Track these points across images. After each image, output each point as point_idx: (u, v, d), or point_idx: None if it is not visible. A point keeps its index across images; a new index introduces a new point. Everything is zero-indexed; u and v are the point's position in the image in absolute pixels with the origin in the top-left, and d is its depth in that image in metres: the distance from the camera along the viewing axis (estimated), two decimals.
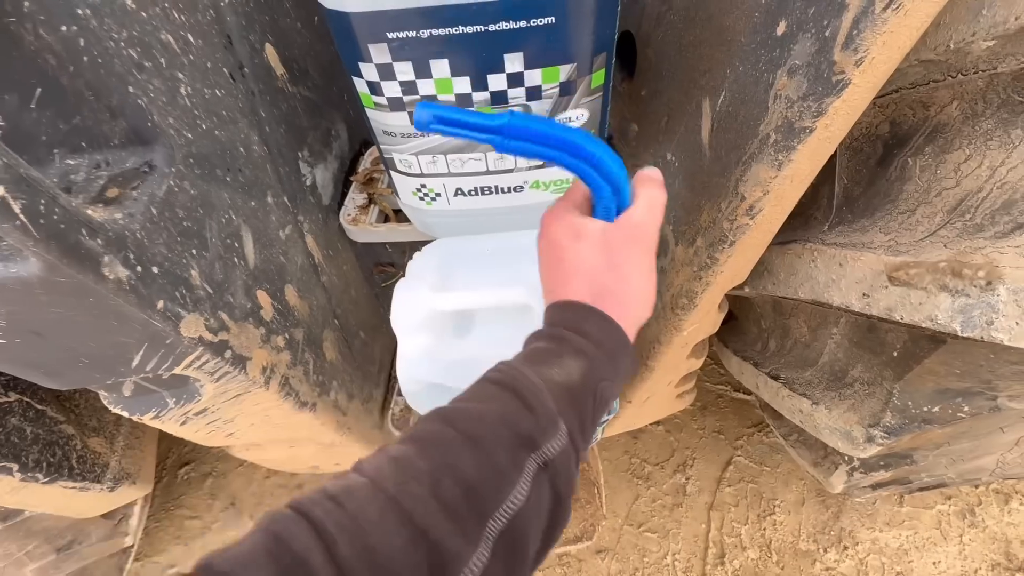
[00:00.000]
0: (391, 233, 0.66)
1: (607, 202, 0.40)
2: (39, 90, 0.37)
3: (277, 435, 0.74)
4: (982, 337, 0.46)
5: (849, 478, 0.90)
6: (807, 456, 0.98)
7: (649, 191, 0.41)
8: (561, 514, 0.33)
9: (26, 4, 0.34)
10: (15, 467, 0.77)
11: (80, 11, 0.36)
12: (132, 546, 1.20)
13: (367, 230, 0.67)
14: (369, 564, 0.25)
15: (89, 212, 0.39)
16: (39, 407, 0.83)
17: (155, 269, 0.43)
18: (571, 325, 0.38)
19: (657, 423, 1.55)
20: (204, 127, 0.48)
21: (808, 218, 0.67)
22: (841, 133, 0.40)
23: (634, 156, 0.67)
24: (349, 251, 0.77)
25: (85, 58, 0.38)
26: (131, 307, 0.42)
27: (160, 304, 0.44)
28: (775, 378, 0.84)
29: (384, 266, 0.81)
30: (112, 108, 0.41)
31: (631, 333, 0.40)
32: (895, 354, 0.64)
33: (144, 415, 0.61)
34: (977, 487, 1.40)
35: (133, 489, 0.97)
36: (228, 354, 0.53)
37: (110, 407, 0.60)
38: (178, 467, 1.58)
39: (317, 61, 0.66)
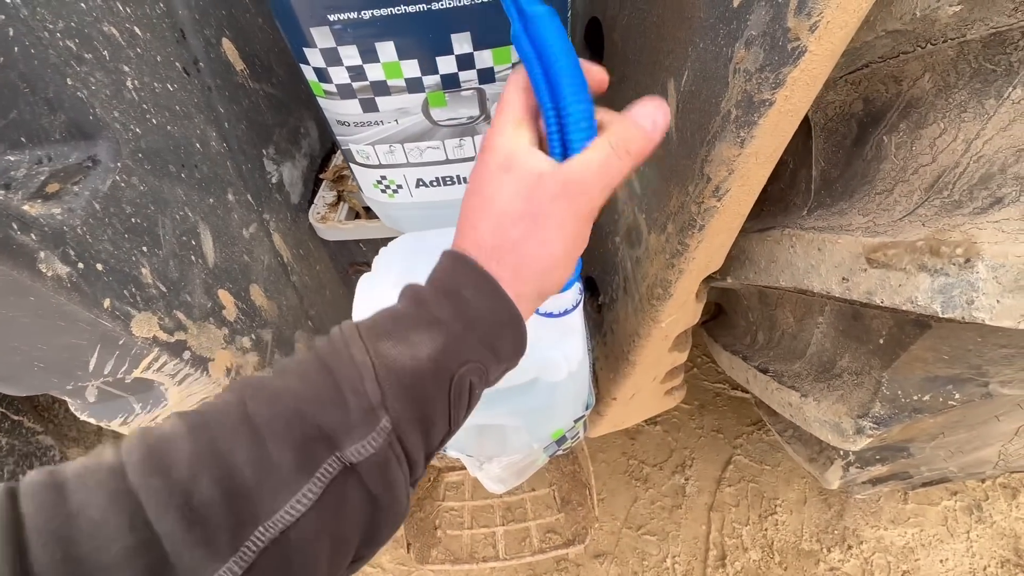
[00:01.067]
0: (359, 230, 0.65)
1: (552, 135, 0.33)
2: None
3: None
4: (963, 317, 0.44)
5: (845, 473, 0.87)
6: (803, 452, 0.96)
7: (611, 139, 0.32)
8: (383, 518, 0.28)
9: None
10: None
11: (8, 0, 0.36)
12: None
13: (335, 228, 0.66)
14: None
15: (25, 207, 0.38)
16: (15, 418, 0.82)
17: (99, 266, 0.42)
18: (446, 285, 0.31)
19: (654, 423, 1.53)
20: (155, 122, 0.47)
21: (788, 204, 0.65)
22: (803, 106, 0.39)
23: None
24: (322, 251, 0.76)
25: (16, 48, 0.37)
26: (75, 305, 0.41)
27: (107, 302, 0.42)
28: (764, 371, 0.82)
29: (359, 265, 0.80)
30: (50, 101, 0.40)
31: (527, 305, 0.32)
32: (881, 341, 0.61)
33: (111, 421, 0.60)
34: (983, 481, 1.36)
35: None
36: (187, 355, 0.52)
37: (77, 414, 0.59)
38: None
39: (282, 58, 0.65)
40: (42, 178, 0.41)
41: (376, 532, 0.28)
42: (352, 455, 0.26)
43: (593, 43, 0.64)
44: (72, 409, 0.59)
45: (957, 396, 0.60)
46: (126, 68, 0.44)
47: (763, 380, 0.81)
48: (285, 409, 0.26)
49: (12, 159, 0.42)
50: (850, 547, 1.31)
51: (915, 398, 0.62)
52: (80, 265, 0.40)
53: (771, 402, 0.82)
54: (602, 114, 0.35)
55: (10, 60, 0.37)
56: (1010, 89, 0.41)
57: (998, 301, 0.42)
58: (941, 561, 1.27)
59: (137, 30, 0.45)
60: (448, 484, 1.16)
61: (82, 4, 0.40)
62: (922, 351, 0.57)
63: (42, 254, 0.37)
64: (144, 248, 0.46)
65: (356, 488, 0.26)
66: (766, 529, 1.35)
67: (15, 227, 0.35)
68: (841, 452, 0.86)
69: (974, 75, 0.43)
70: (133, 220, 0.45)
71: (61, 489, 0.22)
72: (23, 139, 0.41)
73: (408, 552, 1.06)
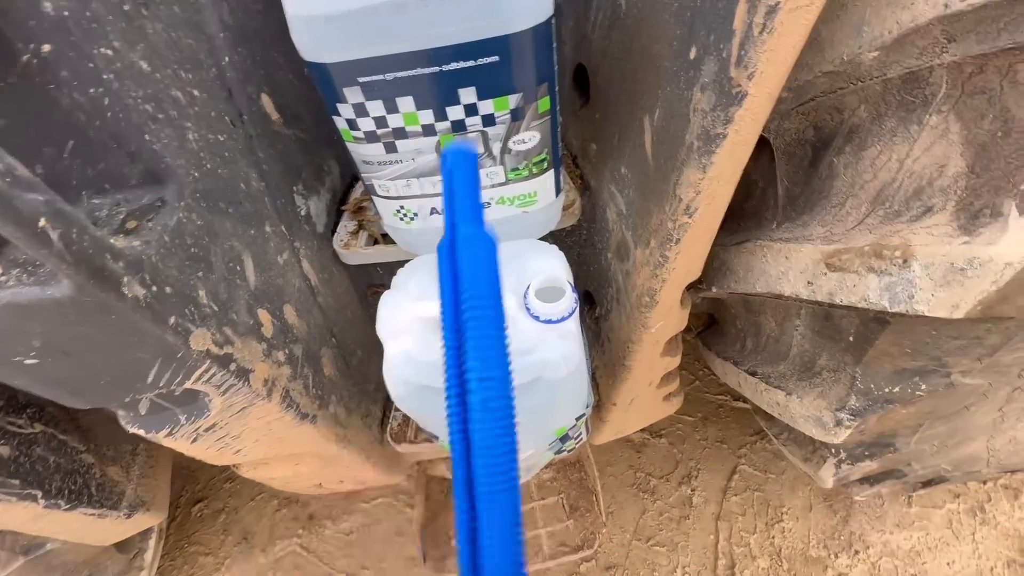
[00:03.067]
0: (378, 254, 0.73)
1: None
2: (71, 142, 0.45)
3: (281, 450, 0.79)
4: (907, 310, 0.51)
5: (837, 470, 0.92)
6: (798, 453, 1.00)
7: None
8: None
9: (63, 73, 0.42)
10: (39, 494, 0.82)
11: (105, 76, 0.44)
12: None
13: (357, 252, 0.74)
14: None
15: (112, 241, 0.46)
16: (62, 437, 0.88)
17: (168, 289, 0.49)
18: None
19: (659, 435, 1.57)
20: (209, 167, 0.56)
21: (760, 219, 0.73)
22: (752, 137, 0.47)
23: (595, 171, 0.73)
24: (344, 275, 0.84)
25: (109, 114, 0.45)
26: (147, 322, 0.48)
27: (172, 320, 0.50)
28: (753, 374, 0.88)
29: (377, 287, 0.88)
30: (131, 154, 0.48)
31: None
32: (851, 339, 0.68)
33: (159, 433, 0.67)
34: (984, 483, 1.39)
35: (148, 516, 1.01)
36: (233, 367, 0.59)
37: (127, 427, 0.65)
38: (191, 504, 1.61)
39: (308, 107, 0.75)
40: (121, 217, 0.50)
41: None
42: None
43: (580, 86, 0.73)
44: (122, 422, 0.66)
45: (923, 387, 0.66)
46: (188, 124, 0.53)
47: (753, 382, 0.87)
48: None
49: (97, 202, 0.50)
50: (857, 552, 1.33)
51: (886, 390, 0.68)
52: (154, 288, 0.47)
53: (761, 403, 0.88)
54: None
55: (104, 122, 0.45)
56: (927, 116, 0.49)
57: (932, 295, 0.49)
58: (948, 564, 1.29)
59: (196, 92, 0.54)
60: None
61: (157, 74, 0.49)
62: (886, 345, 0.64)
63: (126, 279, 0.45)
64: (200, 273, 0.54)
65: None
66: (773, 537, 1.38)
67: (108, 256, 0.43)
68: (832, 450, 0.91)
69: (899, 106, 0.51)
70: (192, 250, 0.53)
71: None
72: (107, 185, 0.49)
73: (424, 562, 1.10)
